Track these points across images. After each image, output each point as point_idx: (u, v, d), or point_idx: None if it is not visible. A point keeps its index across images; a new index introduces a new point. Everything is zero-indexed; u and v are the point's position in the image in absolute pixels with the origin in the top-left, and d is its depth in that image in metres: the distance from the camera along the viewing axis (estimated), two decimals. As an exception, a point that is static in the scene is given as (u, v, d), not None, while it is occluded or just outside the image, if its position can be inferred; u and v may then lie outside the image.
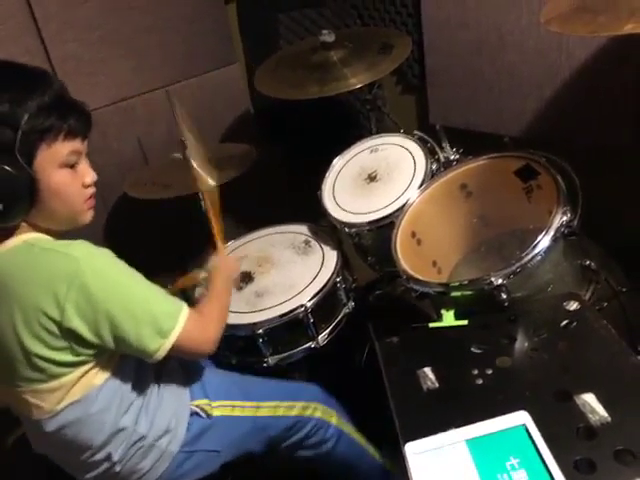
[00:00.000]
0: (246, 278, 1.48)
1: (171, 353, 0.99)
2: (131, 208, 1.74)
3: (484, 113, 1.76)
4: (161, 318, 0.97)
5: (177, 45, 1.86)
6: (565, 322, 0.98)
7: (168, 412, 1.10)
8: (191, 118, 1.28)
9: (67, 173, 0.95)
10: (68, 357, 0.94)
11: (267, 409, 1.22)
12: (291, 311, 1.34)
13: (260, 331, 1.33)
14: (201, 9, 1.87)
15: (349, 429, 1.35)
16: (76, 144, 0.95)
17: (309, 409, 1.27)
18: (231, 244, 1.63)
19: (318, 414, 1.28)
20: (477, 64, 1.70)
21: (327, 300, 1.39)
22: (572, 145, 1.44)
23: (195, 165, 1.24)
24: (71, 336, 0.92)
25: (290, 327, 1.35)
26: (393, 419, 0.90)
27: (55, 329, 0.91)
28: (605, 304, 1.17)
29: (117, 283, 0.95)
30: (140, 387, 1.07)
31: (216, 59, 1.96)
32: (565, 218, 1.05)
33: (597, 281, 1.15)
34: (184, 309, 1.01)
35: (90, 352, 0.95)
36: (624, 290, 1.18)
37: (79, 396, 0.98)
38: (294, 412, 1.25)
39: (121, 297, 0.94)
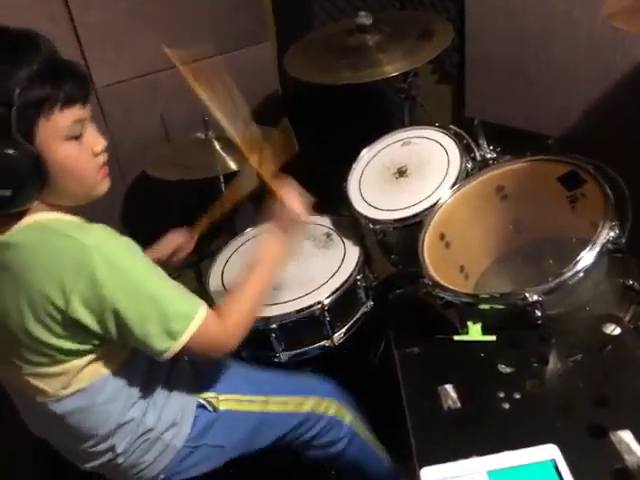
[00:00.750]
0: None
1: (182, 354, 0.94)
2: (150, 185, 1.69)
3: (525, 109, 1.66)
4: (173, 318, 0.91)
5: (205, 21, 1.80)
6: (603, 347, 0.90)
7: (176, 405, 1.06)
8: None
9: (74, 145, 0.88)
10: (73, 345, 0.90)
11: (276, 404, 1.18)
12: (307, 307, 1.29)
13: (274, 326, 1.29)
14: (231, -15, 1.81)
15: (363, 430, 1.30)
16: (76, 111, 0.87)
17: (322, 406, 1.22)
18: (249, 231, 1.59)
19: (331, 412, 1.23)
20: (521, 56, 1.61)
21: (346, 298, 1.33)
22: (619, 145, 1.34)
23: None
24: (76, 325, 0.88)
25: (305, 324, 1.30)
26: (409, 435, 0.84)
27: (59, 317, 0.87)
28: (640, 323, 1.09)
29: (129, 277, 0.88)
30: (150, 380, 1.03)
31: (245, 37, 1.90)
32: (612, 233, 0.97)
33: (638, 302, 1.06)
34: (201, 310, 0.94)
35: (96, 342, 0.92)
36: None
37: (85, 384, 0.94)
38: (305, 408, 1.20)
39: (130, 292, 0.88)
